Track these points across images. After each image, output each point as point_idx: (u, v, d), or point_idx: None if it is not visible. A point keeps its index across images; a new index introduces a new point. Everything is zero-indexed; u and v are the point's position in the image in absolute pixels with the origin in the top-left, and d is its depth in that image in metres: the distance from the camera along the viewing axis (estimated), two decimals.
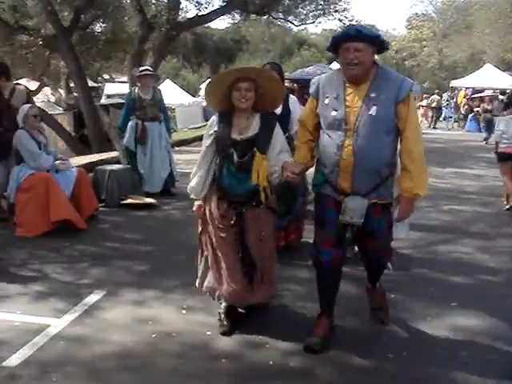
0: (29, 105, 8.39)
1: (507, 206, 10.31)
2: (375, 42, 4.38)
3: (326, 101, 4.54)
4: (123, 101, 16.15)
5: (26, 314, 5.31)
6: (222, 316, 5.09)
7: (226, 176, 4.87)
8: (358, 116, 4.36)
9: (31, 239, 7.66)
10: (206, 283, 5.17)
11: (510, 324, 5.32)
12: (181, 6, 17.68)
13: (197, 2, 17.64)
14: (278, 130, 4.91)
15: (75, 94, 19.00)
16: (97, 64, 23.07)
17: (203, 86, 45.51)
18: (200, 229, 5.12)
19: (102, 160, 11.99)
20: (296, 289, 6.03)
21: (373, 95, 4.36)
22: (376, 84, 4.39)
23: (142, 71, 10.99)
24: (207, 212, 5.00)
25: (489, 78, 30.75)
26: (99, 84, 33.38)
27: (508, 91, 15.88)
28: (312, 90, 4.72)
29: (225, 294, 4.95)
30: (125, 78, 32.61)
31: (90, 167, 10.61)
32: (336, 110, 4.45)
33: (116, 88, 33.70)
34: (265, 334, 4.95)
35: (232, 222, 4.86)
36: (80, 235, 7.91)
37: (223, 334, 4.93)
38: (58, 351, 4.62)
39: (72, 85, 20.21)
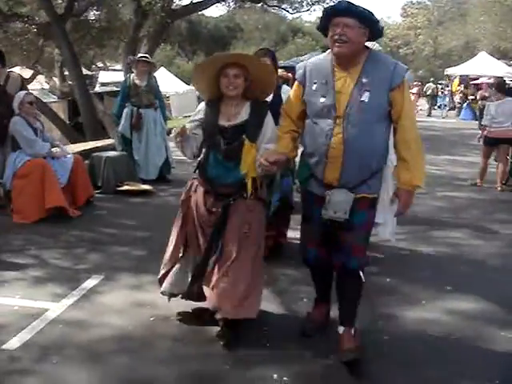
0: (24, 91, 8.41)
1: (498, 187, 11.12)
2: (366, 20, 4.03)
3: (314, 87, 4.22)
4: (117, 89, 16.17)
5: (25, 299, 5.35)
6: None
7: (213, 165, 4.58)
8: (349, 102, 4.06)
9: (28, 225, 7.71)
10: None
11: (503, 307, 5.40)
12: None
13: None
14: (269, 118, 4.59)
15: (69, 82, 18.96)
16: (91, 52, 23.04)
17: None
18: (180, 222, 4.80)
19: (97, 147, 12.01)
20: (292, 273, 6.07)
21: (365, 80, 4.05)
22: (368, 68, 4.08)
23: (140, 57, 11.04)
24: (192, 205, 4.67)
25: (483, 66, 30.78)
26: (93, 72, 33.34)
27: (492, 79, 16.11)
28: (298, 75, 4.40)
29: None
30: (119, 66, 32.62)
31: (85, 154, 10.61)
32: (324, 97, 4.13)
33: (110, 76, 33.68)
34: (261, 317, 4.94)
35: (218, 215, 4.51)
36: (76, 221, 7.96)
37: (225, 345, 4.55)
38: (57, 334, 4.67)
39: (66, 73, 20.14)
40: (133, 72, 10.89)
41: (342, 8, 4.01)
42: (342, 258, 4.31)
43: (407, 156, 4.13)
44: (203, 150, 4.66)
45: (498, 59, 33.10)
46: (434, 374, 4.25)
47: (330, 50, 4.23)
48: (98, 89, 24.85)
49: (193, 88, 34.30)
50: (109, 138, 14.64)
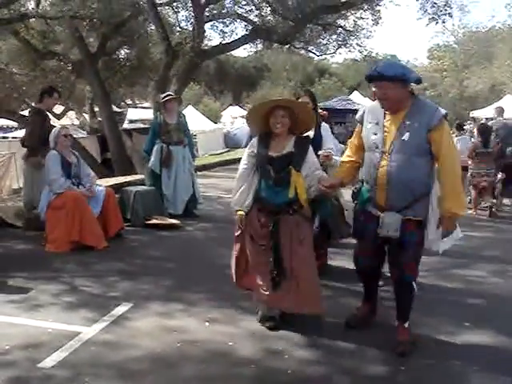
0: (61, 126, 8.76)
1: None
2: (399, 80, 4.87)
3: (369, 126, 5.17)
4: (146, 126, 16.46)
5: (58, 322, 5.62)
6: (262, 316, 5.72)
7: (265, 189, 5.56)
8: (393, 140, 4.95)
9: (61, 255, 8.03)
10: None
11: None
12: (205, 34, 17.99)
13: (221, 31, 17.94)
14: (310, 150, 5.62)
15: (99, 119, 19.33)
16: (121, 89, 23.41)
17: (225, 113, 45.90)
18: (238, 232, 5.76)
19: (127, 182, 12.27)
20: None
21: (408, 122, 4.93)
22: (412, 113, 4.95)
23: (165, 97, 11.33)
24: (247, 222, 5.62)
25: (509, 109, 30.82)
26: (122, 109, 33.78)
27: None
28: (358, 116, 5.40)
29: (262, 298, 5.64)
30: (147, 104, 33.01)
31: (115, 189, 10.89)
32: (375, 134, 5.07)
33: (139, 113, 34.16)
34: (284, 342, 5.24)
35: (270, 228, 5.48)
36: (107, 252, 8.27)
37: (270, 328, 5.56)
38: (90, 355, 4.92)
39: (96, 109, 20.53)
40: (162, 110, 11.21)
41: (376, 76, 4.97)
42: (397, 272, 5.21)
43: (446, 188, 4.95)
44: (256, 176, 5.64)
45: None
46: None
47: None
48: (126, 125, 25.14)
49: (219, 126, 34.89)
50: (136, 173, 14.90)
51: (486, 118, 22.59)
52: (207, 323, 5.65)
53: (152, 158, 11.00)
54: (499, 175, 13.07)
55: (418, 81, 5.07)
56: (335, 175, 5.65)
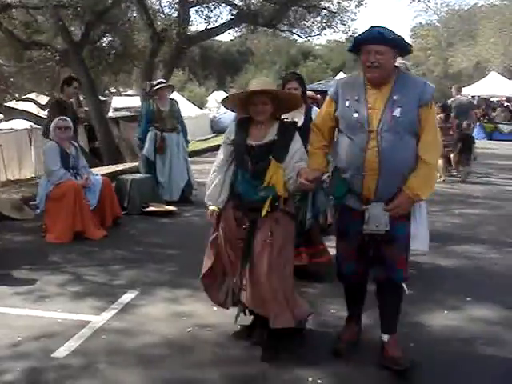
0: (59, 117, 8.71)
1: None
2: (397, 44, 4.28)
3: (347, 103, 4.39)
4: (132, 114, 16.39)
5: (67, 312, 5.64)
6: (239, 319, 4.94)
7: (241, 182, 4.75)
8: (382, 118, 4.24)
9: (62, 245, 8.00)
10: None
11: None
12: (190, 20, 17.92)
13: (206, 16, 17.87)
14: (297, 138, 4.70)
15: (86, 108, 19.25)
16: (105, 78, 23.29)
17: (210, 99, 45.74)
18: (214, 235, 4.95)
19: (120, 170, 12.27)
20: (318, 286, 6.37)
21: (396, 97, 4.25)
22: (398, 87, 4.29)
23: (157, 84, 11.30)
24: (222, 220, 4.84)
25: (494, 86, 30.95)
26: (106, 97, 33.60)
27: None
28: (331, 91, 4.57)
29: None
30: (132, 92, 32.88)
31: (109, 177, 10.89)
32: (357, 112, 4.31)
33: (123, 101, 33.93)
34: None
35: (244, 226, 4.69)
36: (108, 241, 8.27)
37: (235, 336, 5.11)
38: (102, 343, 4.96)
39: (82, 98, 20.43)
40: (153, 97, 11.17)
41: (374, 36, 4.23)
42: (386, 271, 4.48)
43: (422, 170, 4.29)
44: (232, 167, 4.82)
45: (509, 79, 33.17)
46: (461, 378, 4.50)
47: (361, 69, 4.44)
48: (111, 114, 25.03)
49: (205, 112, 34.78)
50: (125, 161, 14.89)
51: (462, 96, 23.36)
52: (215, 308, 5.65)
53: (146, 146, 10.98)
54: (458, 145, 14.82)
55: (410, 51, 4.50)
56: (312, 166, 4.60)
